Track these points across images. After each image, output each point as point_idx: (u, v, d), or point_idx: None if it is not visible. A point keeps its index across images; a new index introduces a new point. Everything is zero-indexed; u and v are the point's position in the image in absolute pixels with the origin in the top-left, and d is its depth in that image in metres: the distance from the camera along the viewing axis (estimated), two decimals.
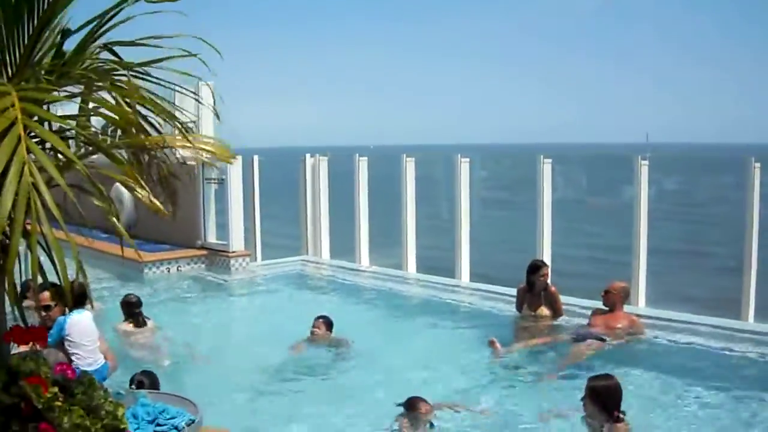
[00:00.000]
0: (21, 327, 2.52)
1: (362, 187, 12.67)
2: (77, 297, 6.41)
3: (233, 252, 12.31)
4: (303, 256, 13.15)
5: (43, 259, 2.31)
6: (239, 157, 12.22)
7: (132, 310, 8.26)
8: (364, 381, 7.03)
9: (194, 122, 12.49)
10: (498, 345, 7.60)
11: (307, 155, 13.27)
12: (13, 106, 2.16)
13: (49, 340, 6.03)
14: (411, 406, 5.76)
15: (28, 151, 2.13)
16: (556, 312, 8.58)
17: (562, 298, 8.71)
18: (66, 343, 6.37)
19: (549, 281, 8.71)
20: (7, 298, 2.56)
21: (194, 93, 3.93)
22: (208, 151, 3.05)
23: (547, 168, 10.41)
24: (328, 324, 8.10)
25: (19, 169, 2.11)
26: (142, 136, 2.78)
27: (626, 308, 8.25)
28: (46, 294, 6.55)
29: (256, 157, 12.87)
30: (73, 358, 6.26)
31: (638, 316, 8.37)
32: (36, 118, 2.29)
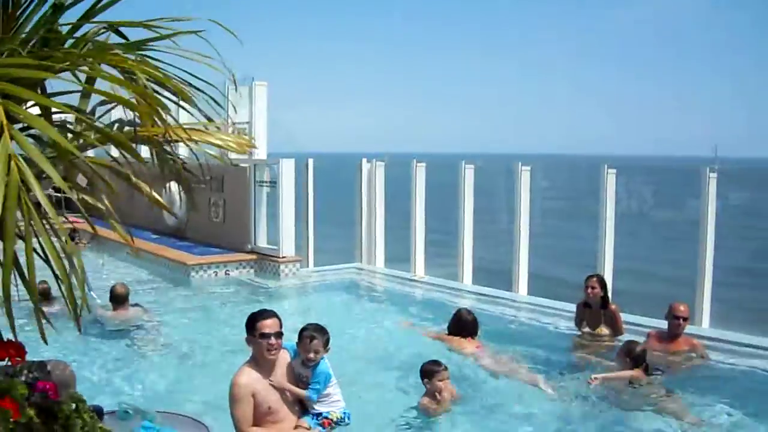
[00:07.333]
0: None
1: (419, 194, 12.33)
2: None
3: (283, 257, 12.07)
4: (356, 264, 12.86)
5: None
6: (292, 161, 12.02)
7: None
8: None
9: (247, 124, 12.41)
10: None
11: (364, 160, 12.99)
12: None
13: (314, 396, 5.22)
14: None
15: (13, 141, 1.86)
16: (617, 331, 8.10)
17: (623, 316, 8.23)
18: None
19: (610, 298, 8.28)
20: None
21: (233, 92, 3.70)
22: (217, 146, 2.75)
23: (611, 178, 9.98)
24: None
25: (5, 164, 1.82)
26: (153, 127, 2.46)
27: (688, 329, 7.74)
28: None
29: (310, 161, 12.61)
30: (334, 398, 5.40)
31: (700, 338, 7.89)
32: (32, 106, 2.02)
